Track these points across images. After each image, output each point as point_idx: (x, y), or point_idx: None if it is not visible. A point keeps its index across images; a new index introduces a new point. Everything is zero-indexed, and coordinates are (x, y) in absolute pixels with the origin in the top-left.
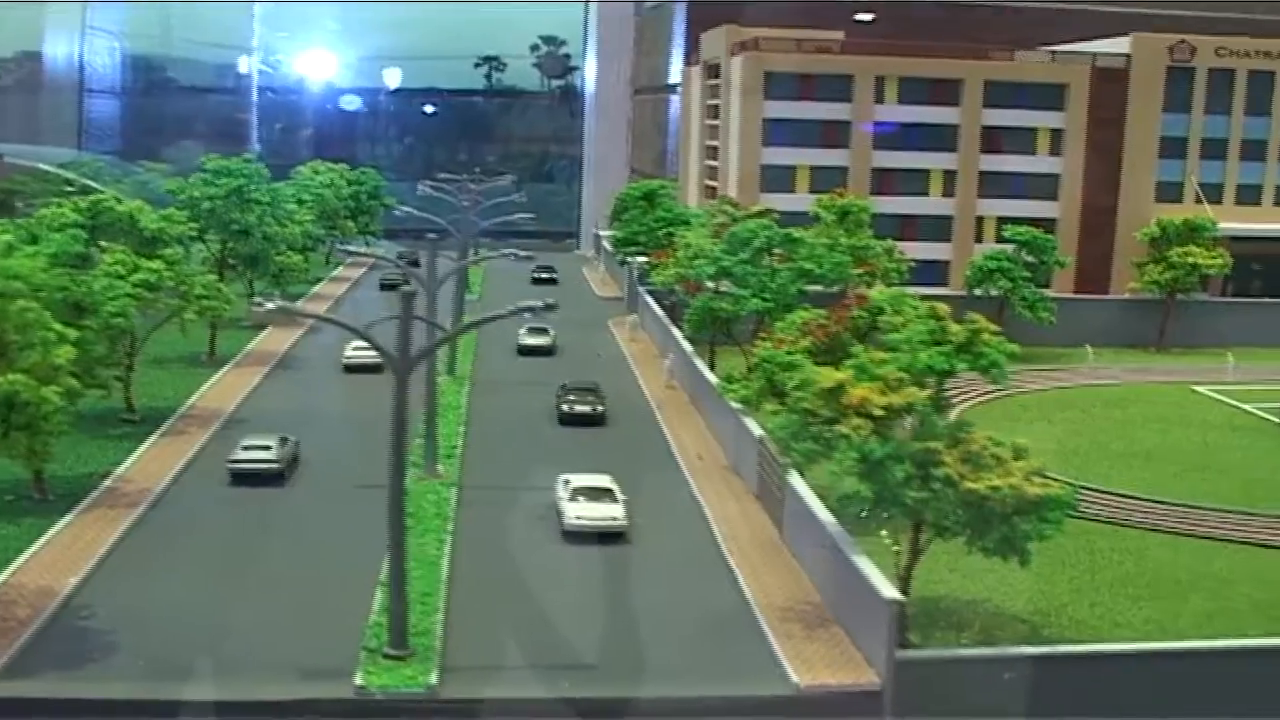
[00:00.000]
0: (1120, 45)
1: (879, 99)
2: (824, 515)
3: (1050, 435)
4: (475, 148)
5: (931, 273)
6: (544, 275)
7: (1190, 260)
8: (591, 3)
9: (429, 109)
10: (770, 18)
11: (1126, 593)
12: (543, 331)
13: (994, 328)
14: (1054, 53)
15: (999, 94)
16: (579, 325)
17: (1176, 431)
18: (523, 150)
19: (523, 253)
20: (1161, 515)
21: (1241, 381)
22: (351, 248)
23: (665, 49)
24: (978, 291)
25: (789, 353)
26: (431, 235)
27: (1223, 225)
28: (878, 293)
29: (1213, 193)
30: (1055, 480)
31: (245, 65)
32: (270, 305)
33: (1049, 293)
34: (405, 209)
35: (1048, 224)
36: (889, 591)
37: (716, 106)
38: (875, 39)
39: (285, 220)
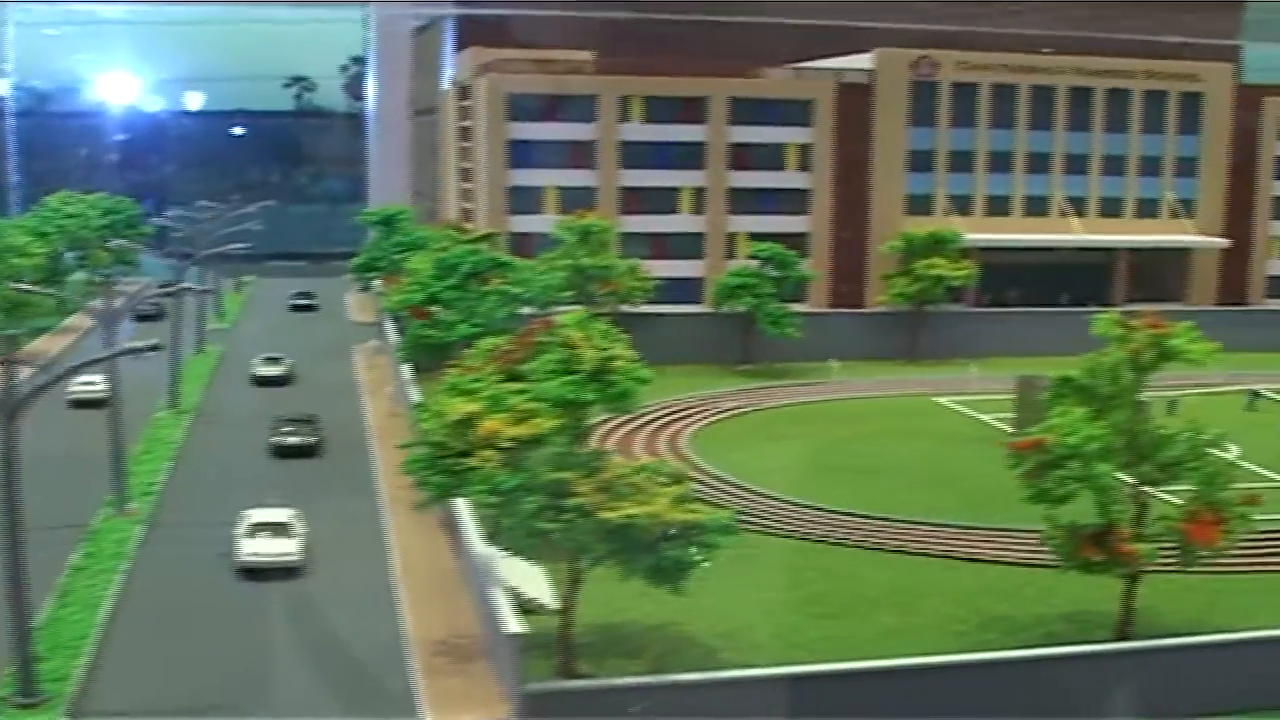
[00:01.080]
0: (865, 61)
1: (624, 118)
2: (478, 545)
3: (779, 452)
4: (285, 169)
5: (685, 290)
6: (302, 302)
7: (935, 272)
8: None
9: (237, 131)
10: (536, 37)
11: (815, 612)
12: (278, 361)
13: (629, 354)
14: (800, 69)
15: (746, 111)
16: (325, 353)
17: (908, 444)
18: (329, 172)
19: (200, 287)
20: (871, 531)
21: (982, 392)
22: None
23: (437, 69)
24: (725, 308)
25: (475, 380)
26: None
27: (974, 236)
28: (567, 317)
29: (962, 204)
30: (718, 505)
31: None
32: None
33: (796, 307)
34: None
35: (799, 239)
36: (512, 625)
37: (469, 128)
38: (628, 58)
39: (9, 255)
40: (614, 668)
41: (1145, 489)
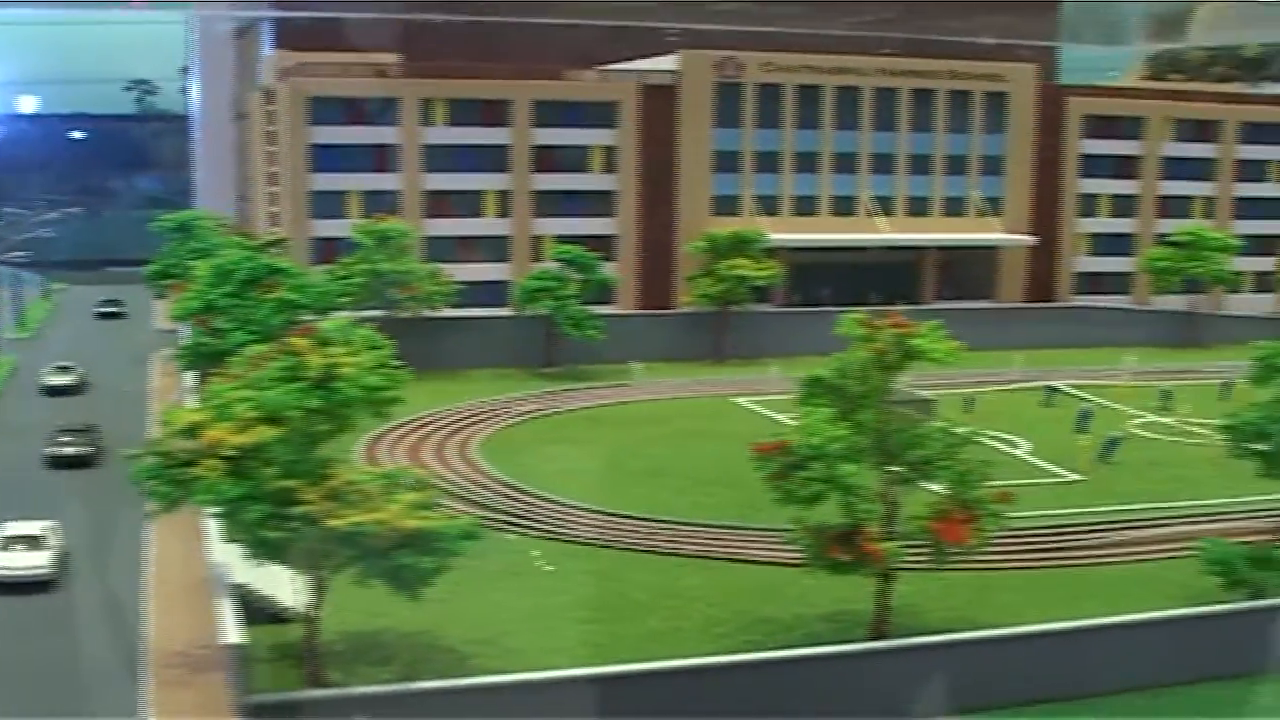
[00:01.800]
0: (670, 63)
1: (428, 121)
2: (219, 553)
3: (571, 455)
4: (127, 174)
5: (491, 293)
6: (109, 309)
7: (738, 273)
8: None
9: (76, 135)
10: (351, 40)
11: (579, 616)
12: (69, 369)
13: (361, 360)
14: (605, 71)
15: (550, 113)
16: (123, 361)
17: (701, 446)
18: (166, 176)
19: None
20: (646, 533)
21: (783, 392)
22: None
23: (255, 72)
24: (528, 311)
25: (234, 388)
26: None
27: (780, 236)
28: (330, 322)
29: (769, 205)
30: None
31: None
32: None
33: (604, 309)
34: None
35: (606, 240)
36: (232, 636)
37: (274, 132)
38: (435, 61)
39: None
40: (364, 675)
41: (896, 488)
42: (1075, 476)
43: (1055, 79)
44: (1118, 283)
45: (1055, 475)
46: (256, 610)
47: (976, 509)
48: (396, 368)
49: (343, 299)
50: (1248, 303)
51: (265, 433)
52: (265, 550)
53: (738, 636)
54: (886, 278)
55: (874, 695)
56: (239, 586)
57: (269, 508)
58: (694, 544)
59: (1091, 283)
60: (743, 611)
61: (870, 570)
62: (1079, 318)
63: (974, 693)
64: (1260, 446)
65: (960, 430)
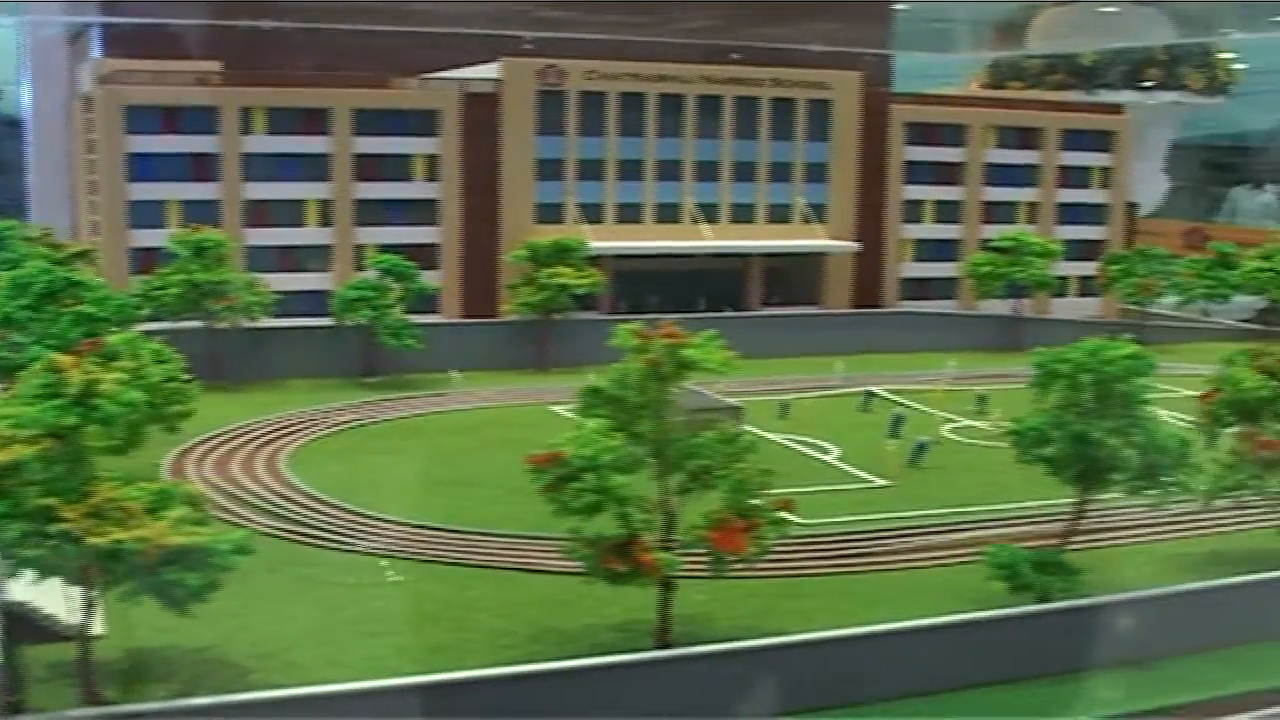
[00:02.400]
0: (492, 70)
1: (247, 130)
2: None
3: (378, 466)
4: None
5: (314, 303)
6: None
7: (559, 281)
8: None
9: None
10: (179, 47)
11: (367, 629)
12: None
13: (118, 375)
14: (427, 79)
15: (371, 121)
16: None
17: (512, 455)
18: (8, 181)
19: None
20: (444, 544)
21: None
22: None
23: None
24: (348, 321)
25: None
26: None
27: (603, 244)
28: (117, 336)
29: (593, 212)
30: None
31: None
32: None
33: (426, 318)
34: None
35: (429, 249)
36: None
37: (94, 140)
38: (260, 69)
39: None
40: (141, 693)
41: (675, 498)
42: (883, 482)
43: (889, 86)
44: (943, 288)
45: (863, 481)
46: (39, 628)
47: (756, 517)
48: (185, 381)
49: (141, 311)
50: (1074, 306)
51: (21, 451)
52: (28, 568)
53: (524, 648)
54: (713, 285)
55: (644, 706)
56: (16, 604)
57: (28, 526)
58: (491, 554)
59: (917, 288)
60: (532, 622)
61: (646, 580)
62: (904, 323)
63: (749, 700)
64: (1044, 452)
65: (742, 439)
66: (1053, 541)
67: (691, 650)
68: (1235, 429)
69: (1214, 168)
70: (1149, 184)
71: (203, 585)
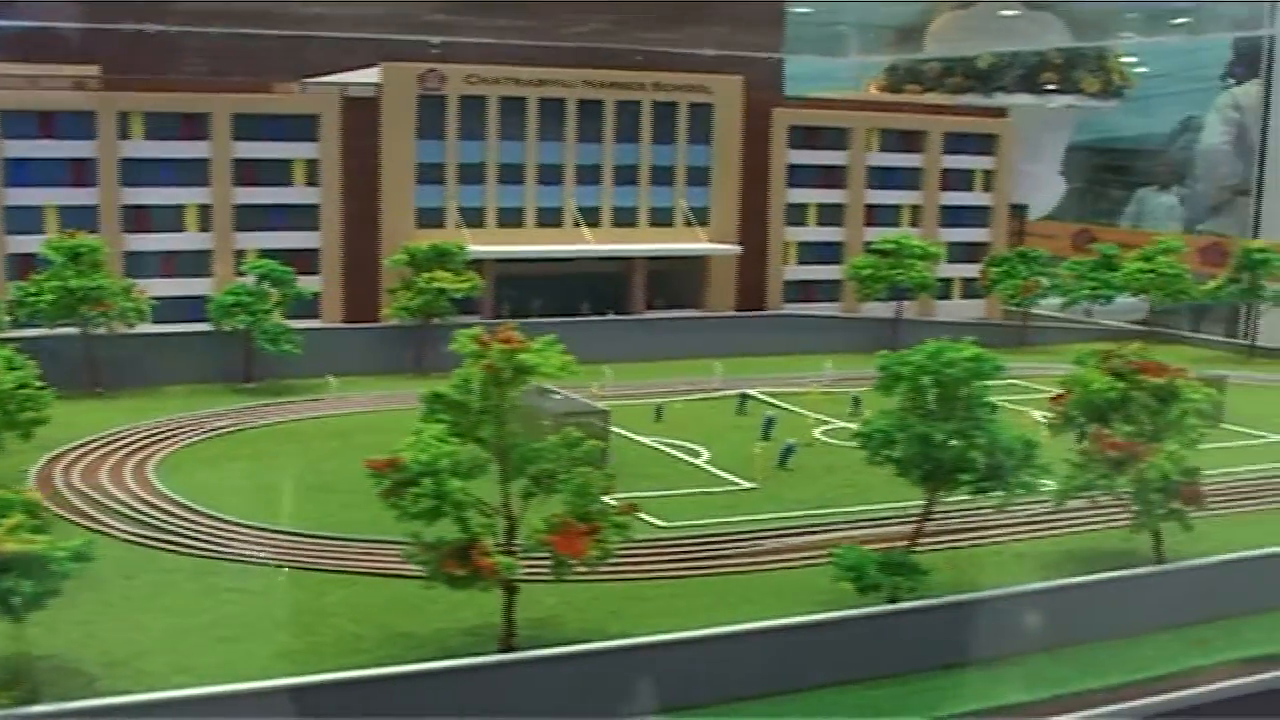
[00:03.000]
0: (372, 75)
1: (125, 135)
2: None
3: (246, 471)
4: None
5: (195, 309)
6: None
7: (437, 285)
8: None
9: None
10: (63, 51)
11: (218, 635)
12: None
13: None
14: (307, 84)
15: (251, 126)
16: None
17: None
18: None
19: None
20: (304, 550)
21: None
22: None
23: None
24: (226, 326)
25: None
26: None
27: (483, 248)
28: None
29: (474, 217)
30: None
31: None
32: None
33: (306, 323)
34: None
35: (309, 254)
36: None
37: None
38: (141, 73)
39: None
40: None
41: (518, 502)
42: (749, 484)
43: (780, 90)
44: (827, 290)
45: (730, 483)
46: None
47: (598, 521)
48: (40, 388)
49: (6, 319)
50: (958, 308)
51: None
52: None
53: (373, 652)
54: (597, 288)
55: (476, 709)
56: None
57: None
58: (350, 560)
59: (802, 290)
60: (385, 627)
61: (486, 584)
62: (786, 325)
63: (588, 704)
64: (891, 453)
65: (585, 443)
66: (903, 542)
67: (521, 655)
68: (1086, 429)
69: (1114, 170)
70: (1046, 186)
71: (39, 593)
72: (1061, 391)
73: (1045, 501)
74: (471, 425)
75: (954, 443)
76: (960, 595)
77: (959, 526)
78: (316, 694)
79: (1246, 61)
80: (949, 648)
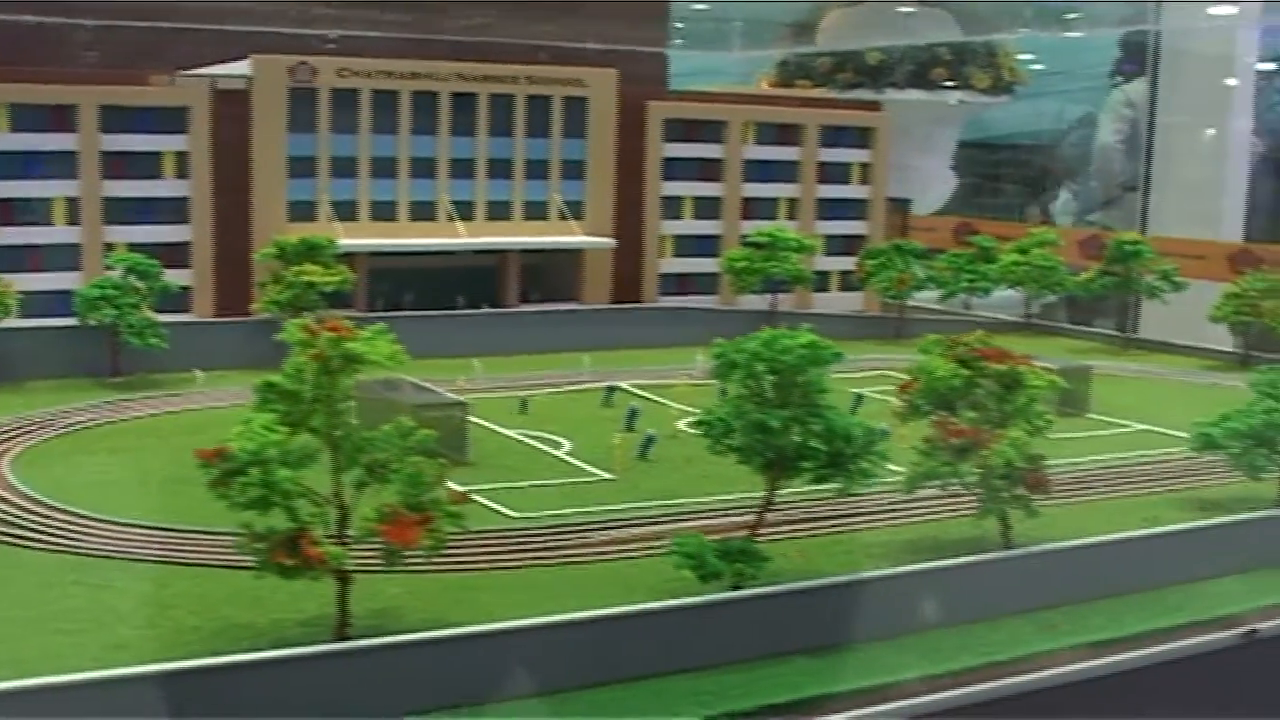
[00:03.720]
0: (243, 67)
1: None
2: None
3: (104, 466)
4: None
5: (64, 303)
6: None
7: (306, 279)
8: None
9: None
10: None
11: (54, 628)
12: None
13: None
14: (180, 76)
15: (121, 119)
16: None
17: None
18: None
19: None
20: (154, 542)
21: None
22: None
23: None
24: (92, 321)
25: None
26: None
27: (355, 241)
28: None
29: (347, 210)
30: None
31: None
32: None
33: (176, 317)
34: None
35: (181, 248)
36: None
37: None
38: (3, 64)
39: None
40: None
41: (350, 492)
42: (607, 475)
43: (665, 85)
44: (704, 283)
45: (589, 474)
46: None
47: (430, 510)
48: None
49: None
50: (837, 301)
51: None
52: None
53: (207, 644)
54: (471, 282)
55: (305, 701)
56: None
57: None
58: (198, 552)
59: (679, 283)
60: (224, 618)
61: (316, 574)
62: (662, 318)
63: (418, 694)
64: (731, 442)
65: (420, 433)
66: (746, 531)
67: (339, 647)
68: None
69: (1008, 166)
70: (938, 182)
71: None
72: (908, 380)
73: (888, 489)
74: (304, 415)
75: (793, 430)
76: (804, 583)
77: (812, 515)
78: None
79: (1134, 59)
80: (788, 635)
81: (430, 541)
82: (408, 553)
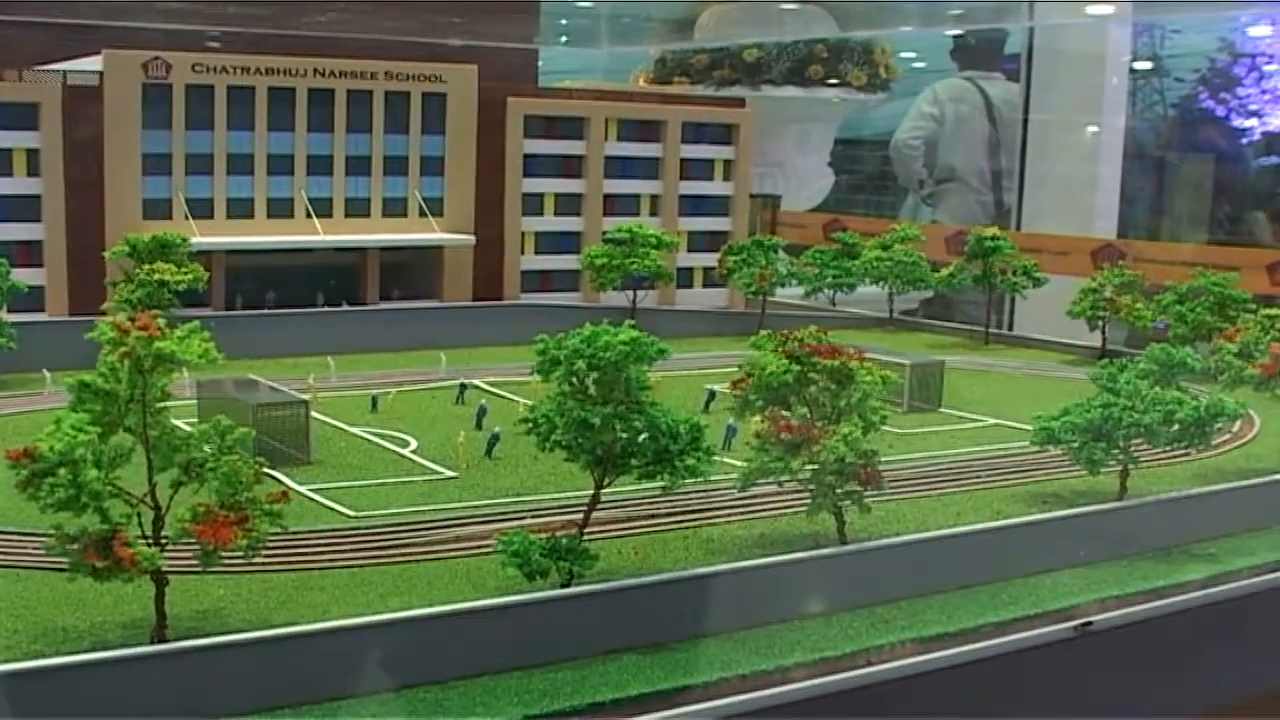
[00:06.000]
0: (96, 63)
1: None
2: None
3: None
4: None
5: None
6: None
7: (158, 277)
8: None
9: None
10: None
11: None
12: None
13: None
14: (36, 71)
15: None
16: None
17: None
18: None
19: None
20: None
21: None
22: None
23: None
24: None
25: None
26: None
27: (210, 239)
28: None
29: (202, 208)
30: None
31: None
32: None
33: (27, 316)
34: None
35: (32, 246)
36: None
37: None
38: None
39: None
40: None
41: (166, 491)
42: (450, 473)
43: (535, 82)
44: (566, 280)
45: (433, 472)
46: None
47: (247, 510)
48: None
49: None
50: (701, 297)
51: None
52: None
53: (23, 647)
54: (331, 280)
55: (118, 705)
56: None
57: None
58: (25, 554)
59: (541, 280)
60: (44, 621)
61: (129, 575)
62: (523, 315)
63: (230, 699)
64: (556, 439)
65: (237, 431)
66: (579, 528)
67: (149, 650)
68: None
69: (886, 163)
70: (815, 178)
71: None
72: (741, 376)
73: (721, 486)
74: (119, 414)
75: (616, 427)
76: (632, 580)
77: (660, 511)
78: None
79: (966, 54)
80: (619, 632)
81: (246, 541)
82: (230, 553)
